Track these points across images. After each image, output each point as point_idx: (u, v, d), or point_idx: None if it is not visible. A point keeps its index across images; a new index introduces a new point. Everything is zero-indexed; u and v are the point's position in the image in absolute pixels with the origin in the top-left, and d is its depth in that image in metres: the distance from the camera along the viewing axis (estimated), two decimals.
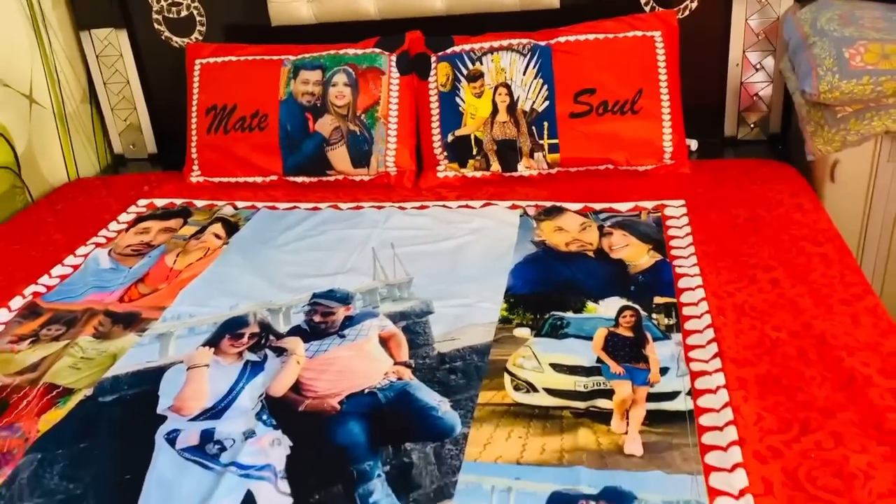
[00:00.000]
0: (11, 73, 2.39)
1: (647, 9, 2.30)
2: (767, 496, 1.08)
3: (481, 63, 2.22)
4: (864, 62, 1.84)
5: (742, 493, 1.08)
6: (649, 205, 1.99)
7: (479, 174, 2.23)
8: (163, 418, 1.38)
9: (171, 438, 1.32)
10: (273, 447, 1.28)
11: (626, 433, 1.24)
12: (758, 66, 2.33)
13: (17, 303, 1.80)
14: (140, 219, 2.18)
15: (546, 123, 2.16)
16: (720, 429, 1.22)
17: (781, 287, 1.58)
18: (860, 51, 1.86)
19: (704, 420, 1.25)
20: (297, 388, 1.43)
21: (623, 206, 2.00)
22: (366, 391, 1.40)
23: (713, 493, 1.10)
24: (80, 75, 2.68)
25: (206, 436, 1.32)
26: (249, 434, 1.31)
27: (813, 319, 1.47)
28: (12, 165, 2.37)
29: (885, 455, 1.12)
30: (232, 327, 1.63)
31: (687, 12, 2.29)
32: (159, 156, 2.75)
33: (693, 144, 2.34)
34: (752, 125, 2.41)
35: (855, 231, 2.11)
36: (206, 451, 1.29)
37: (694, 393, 1.32)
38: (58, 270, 1.94)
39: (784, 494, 1.08)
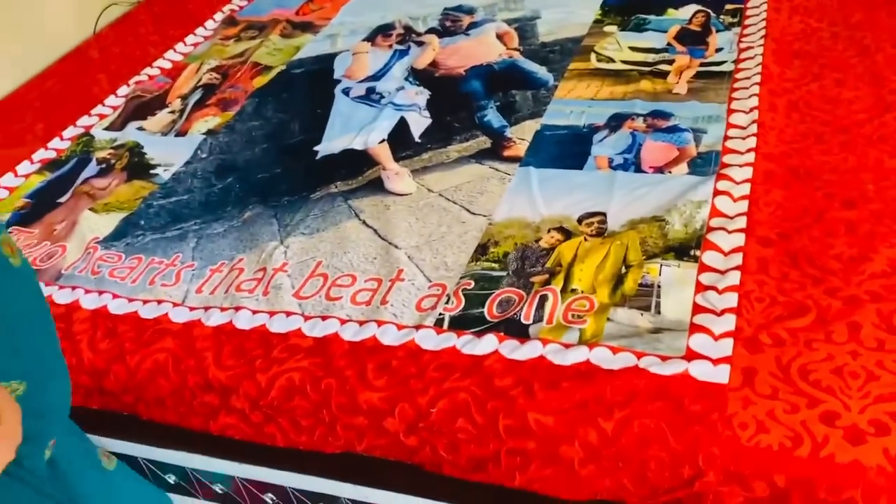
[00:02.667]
0: None
1: None
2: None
3: None
4: None
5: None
6: None
7: None
8: (338, 81, 1.98)
9: (346, 90, 1.94)
10: (418, 95, 1.87)
11: (678, 83, 1.74)
12: None
13: (217, 18, 2.44)
14: None
15: None
16: (746, 88, 1.68)
17: (841, 17, 1.87)
18: None
19: (738, 77, 1.72)
20: (433, 64, 2.00)
21: None
22: (484, 64, 1.95)
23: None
24: None
25: (370, 90, 1.92)
26: (400, 88, 1.90)
27: None
28: None
29: None
30: (383, 29, 2.19)
31: None
32: None
33: None
34: None
35: None
36: (370, 97, 1.90)
37: (737, 61, 1.78)
38: None
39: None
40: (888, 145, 1.45)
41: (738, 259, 1.26)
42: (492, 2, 2.25)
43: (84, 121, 2.03)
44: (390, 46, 2.10)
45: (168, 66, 2.23)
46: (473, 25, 2.14)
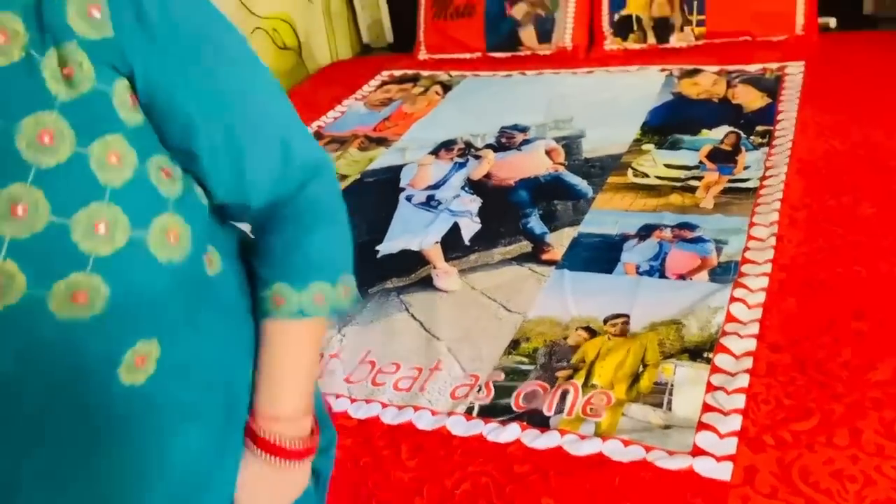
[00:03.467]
0: None
1: None
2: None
3: None
4: None
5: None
6: (774, 66, 2.36)
7: (637, 46, 2.68)
8: (403, 189, 2.08)
9: (408, 197, 2.03)
10: (471, 203, 1.95)
11: (705, 198, 1.76)
12: None
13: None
14: (383, 83, 2.90)
15: (695, 3, 2.57)
16: (768, 203, 1.69)
17: (862, 138, 1.88)
18: None
19: (762, 193, 1.73)
20: (487, 175, 2.08)
21: (752, 68, 2.39)
22: (532, 176, 2.02)
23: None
24: None
25: (430, 197, 2.01)
26: (456, 196, 1.98)
27: None
28: (296, 49, 3.19)
29: None
30: (447, 144, 2.29)
31: None
32: (394, 45, 3.41)
33: (832, 22, 2.59)
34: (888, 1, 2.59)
35: None
36: (429, 204, 1.98)
37: (763, 178, 1.79)
38: (330, 115, 2.72)
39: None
40: None
41: (748, 363, 1.25)
42: (543, 121, 2.33)
43: None
44: (451, 159, 2.20)
45: None
46: (526, 142, 2.23)
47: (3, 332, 0.54)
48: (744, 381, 1.21)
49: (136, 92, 0.58)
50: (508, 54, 2.87)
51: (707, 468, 1.08)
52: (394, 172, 2.20)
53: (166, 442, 0.63)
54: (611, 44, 2.72)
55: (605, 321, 1.43)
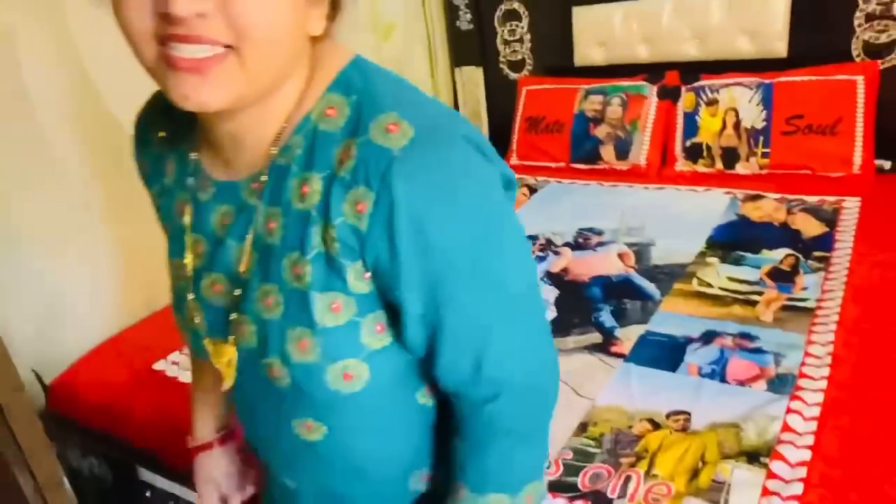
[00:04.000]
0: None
1: (857, 56, 2.64)
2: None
3: (718, 93, 2.75)
4: None
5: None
6: (832, 199, 2.40)
7: (705, 170, 2.76)
8: None
9: None
10: (549, 293, 2.02)
11: (766, 312, 1.79)
12: None
13: None
14: None
15: (761, 137, 2.64)
16: (826, 324, 1.71)
17: None
18: None
19: (819, 314, 1.75)
20: (564, 270, 2.16)
21: (811, 199, 2.43)
22: (604, 275, 2.09)
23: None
24: (448, 95, 3.54)
25: None
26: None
27: None
28: None
29: None
30: (529, 239, 2.38)
31: (891, 63, 2.57)
32: None
33: (887, 164, 2.61)
34: None
35: None
36: None
37: (819, 300, 1.81)
38: None
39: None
40: None
41: (802, 472, 1.26)
42: (617, 227, 2.41)
43: None
44: (533, 253, 2.29)
45: None
46: (600, 244, 2.31)
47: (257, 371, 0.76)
48: (798, 489, 1.22)
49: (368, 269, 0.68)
50: (589, 166, 2.98)
51: None
52: None
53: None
54: (681, 165, 2.81)
55: (668, 416, 1.46)
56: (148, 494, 1.71)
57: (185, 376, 1.75)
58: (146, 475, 1.68)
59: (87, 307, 2.01)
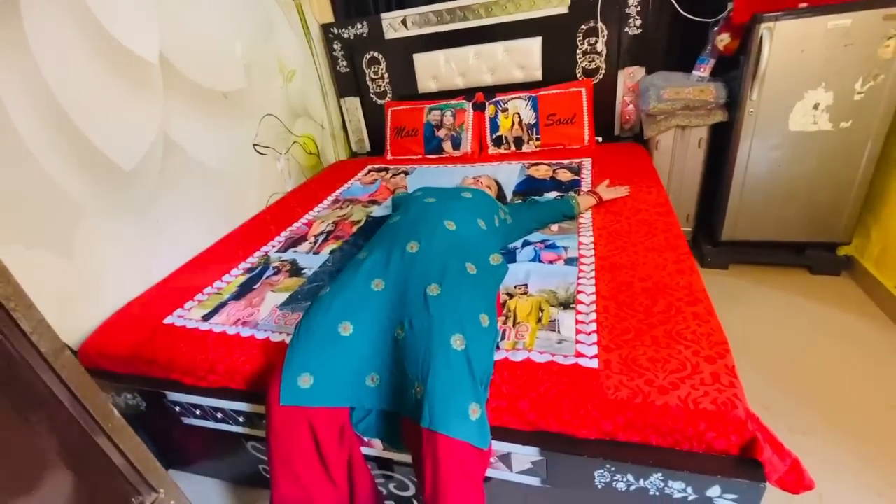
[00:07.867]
0: (315, 115, 3.05)
1: (580, 77, 2.73)
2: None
3: (507, 104, 2.74)
4: (668, 96, 2.30)
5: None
6: (577, 160, 2.50)
7: (505, 151, 2.77)
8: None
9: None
10: None
11: (554, 227, 1.83)
12: (628, 102, 2.72)
13: (329, 199, 2.51)
14: (369, 171, 2.84)
15: (534, 129, 2.69)
16: (586, 226, 1.78)
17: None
18: (667, 92, 2.31)
19: (581, 222, 1.82)
20: None
21: (565, 161, 2.52)
22: None
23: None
24: (337, 118, 3.28)
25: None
26: None
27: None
28: (316, 153, 3.07)
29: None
30: None
31: (598, 78, 2.69)
32: (371, 152, 3.33)
33: (600, 139, 2.78)
34: (627, 129, 2.80)
35: (665, 172, 2.54)
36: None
37: (579, 213, 1.88)
38: (341, 189, 2.63)
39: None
40: None
41: (593, 308, 1.31)
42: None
43: (264, 249, 2.03)
44: None
45: (307, 221, 2.27)
46: None
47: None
48: (593, 316, 1.27)
49: None
50: (437, 156, 2.88)
51: (584, 362, 1.13)
52: (382, 218, 2.15)
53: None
54: (492, 150, 2.79)
55: (515, 287, 1.45)
56: (177, 409, 1.45)
57: (191, 324, 1.49)
58: (173, 396, 1.43)
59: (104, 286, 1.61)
